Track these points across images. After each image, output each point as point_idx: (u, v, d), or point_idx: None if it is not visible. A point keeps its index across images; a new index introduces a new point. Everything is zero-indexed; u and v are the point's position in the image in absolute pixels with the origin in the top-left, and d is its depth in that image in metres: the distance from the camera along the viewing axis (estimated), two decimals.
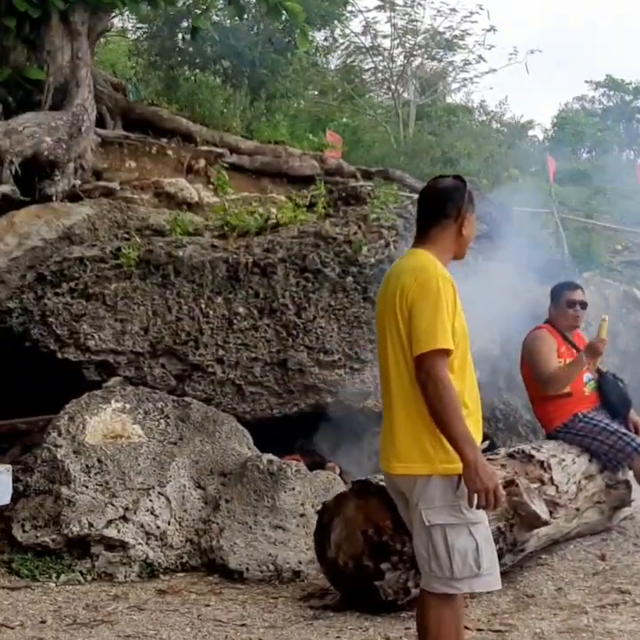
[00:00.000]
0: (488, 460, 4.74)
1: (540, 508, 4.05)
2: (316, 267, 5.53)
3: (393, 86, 21.57)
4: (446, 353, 2.59)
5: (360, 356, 5.45)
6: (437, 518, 2.61)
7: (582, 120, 25.91)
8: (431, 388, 2.57)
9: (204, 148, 8.48)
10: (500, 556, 4.10)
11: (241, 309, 5.44)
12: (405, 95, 21.54)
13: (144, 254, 5.43)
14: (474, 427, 2.68)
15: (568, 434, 4.78)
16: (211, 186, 8.21)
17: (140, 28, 16.78)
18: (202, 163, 8.32)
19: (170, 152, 8.43)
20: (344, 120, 18.56)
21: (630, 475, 4.77)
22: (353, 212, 6.15)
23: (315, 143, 9.64)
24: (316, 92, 20.66)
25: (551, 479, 4.47)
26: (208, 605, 4.00)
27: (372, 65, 22.76)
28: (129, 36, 17.58)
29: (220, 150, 8.46)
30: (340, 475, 5.24)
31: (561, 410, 4.81)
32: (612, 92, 26.83)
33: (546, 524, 4.04)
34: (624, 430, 4.75)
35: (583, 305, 4.97)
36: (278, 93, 16.67)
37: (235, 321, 5.42)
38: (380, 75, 22.37)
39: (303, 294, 5.48)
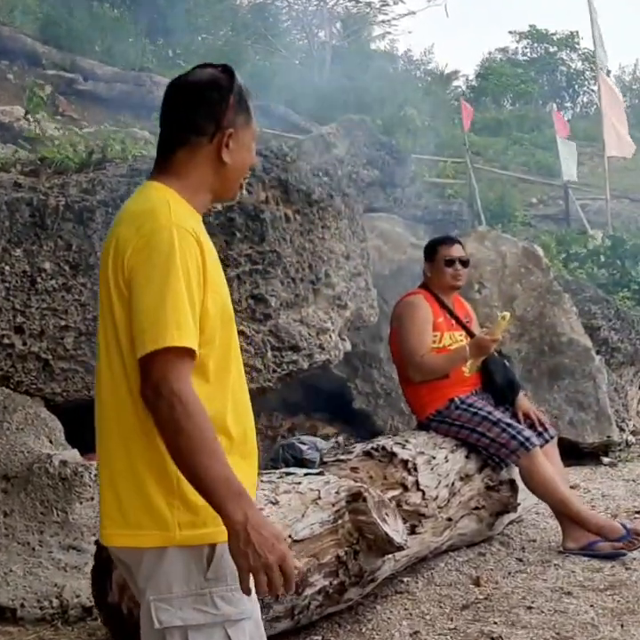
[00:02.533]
0: (338, 460, 3.81)
1: (394, 529, 3.12)
2: None
3: (308, 27, 20.33)
4: (187, 353, 1.57)
5: None
6: (174, 617, 1.60)
7: (506, 71, 25.11)
8: (164, 410, 1.54)
9: (52, 71, 7.17)
10: (342, 592, 3.19)
11: (47, 265, 4.30)
12: (321, 35, 20.34)
13: None
14: (244, 465, 1.67)
15: (442, 423, 3.87)
16: (58, 117, 6.94)
17: None
18: (48, 89, 7.02)
19: (10, 76, 7.10)
20: (266, 63, 17.31)
21: (516, 473, 3.89)
22: None
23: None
24: (227, 30, 19.27)
25: (416, 483, 3.56)
26: None
27: (286, 3, 21.44)
28: None
29: (71, 75, 7.17)
30: None
31: (435, 393, 3.88)
32: (535, 44, 26.07)
33: (400, 549, 3.12)
34: (509, 420, 3.85)
35: (464, 262, 4.04)
36: (179, 27, 15.30)
37: (39, 279, 4.28)
38: (294, 14, 21.07)
39: None
